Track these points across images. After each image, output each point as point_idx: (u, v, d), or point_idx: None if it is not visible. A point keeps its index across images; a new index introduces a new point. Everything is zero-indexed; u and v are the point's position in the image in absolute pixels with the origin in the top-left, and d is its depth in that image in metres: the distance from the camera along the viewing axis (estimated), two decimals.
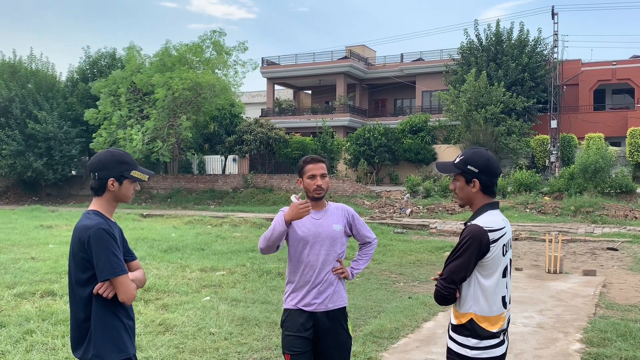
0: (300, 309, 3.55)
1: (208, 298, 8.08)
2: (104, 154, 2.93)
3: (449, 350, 2.92)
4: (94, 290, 2.73)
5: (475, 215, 2.89)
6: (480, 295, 2.82)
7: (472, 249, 2.76)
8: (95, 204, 2.91)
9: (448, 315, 7.22)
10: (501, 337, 2.86)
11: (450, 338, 2.92)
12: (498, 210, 2.94)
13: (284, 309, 3.65)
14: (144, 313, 7.03)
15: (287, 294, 3.66)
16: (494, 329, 2.82)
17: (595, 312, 7.73)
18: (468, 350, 2.81)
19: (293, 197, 3.44)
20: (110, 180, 2.86)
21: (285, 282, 3.73)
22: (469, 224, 2.87)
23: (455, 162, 2.96)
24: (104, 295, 2.73)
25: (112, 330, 2.78)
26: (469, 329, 2.83)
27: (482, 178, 2.88)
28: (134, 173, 2.92)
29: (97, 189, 2.89)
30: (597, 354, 5.78)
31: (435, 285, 2.89)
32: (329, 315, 3.55)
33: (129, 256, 3.00)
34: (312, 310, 3.53)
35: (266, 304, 7.73)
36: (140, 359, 5.41)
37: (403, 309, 7.66)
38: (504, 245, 2.85)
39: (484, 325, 2.81)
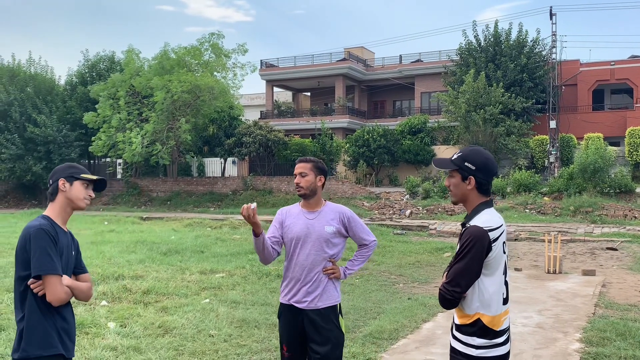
0: (293, 305, 3.66)
1: (207, 300, 8.08)
2: (58, 165, 3.14)
3: (453, 349, 2.88)
4: (28, 282, 2.80)
5: (472, 214, 2.86)
6: (484, 295, 2.79)
7: (475, 252, 2.73)
8: (48, 210, 3.00)
9: (447, 316, 7.23)
10: (505, 336, 2.85)
11: (455, 338, 2.88)
12: (493, 208, 2.92)
13: (280, 302, 3.77)
14: (143, 315, 7.03)
15: (282, 288, 3.78)
16: (498, 328, 2.81)
17: (595, 311, 7.74)
18: (473, 350, 2.78)
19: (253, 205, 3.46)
20: (61, 181, 2.98)
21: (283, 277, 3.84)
22: (468, 225, 2.83)
23: (453, 158, 2.95)
24: (35, 291, 2.80)
25: (41, 329, 2.81)
26: (475, 328, 2.80)
27: (479, 176, 2.86)
28: (84, 175, 3.03)
29: (51, 194, 3.01)
30: (596, 353, 5.79)
31: (439, 289, 2.85)
32: (320, 312, 3.63)
33: (80, 269, 3.09)
34: (303, 308, 3.63)
35: (266, 306, 7.73)
36: None
37: (402, 310, 7.66)
38: (503, 242, 2.84)
39: (489, 324, 2.79)
